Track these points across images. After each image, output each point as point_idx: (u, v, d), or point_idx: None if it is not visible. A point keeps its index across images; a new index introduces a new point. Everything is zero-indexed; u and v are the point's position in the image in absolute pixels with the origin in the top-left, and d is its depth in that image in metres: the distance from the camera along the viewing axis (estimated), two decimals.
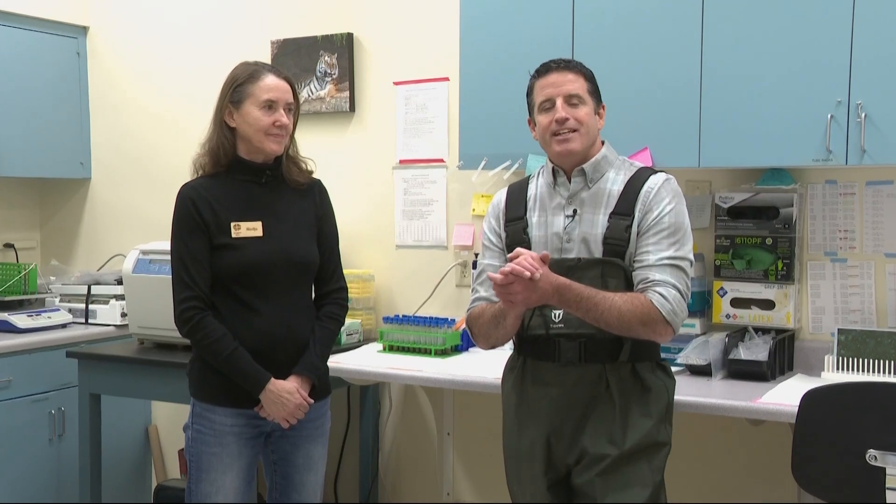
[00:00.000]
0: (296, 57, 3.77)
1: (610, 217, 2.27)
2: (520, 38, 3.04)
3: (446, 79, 3.51)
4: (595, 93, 2.35)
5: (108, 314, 3.92)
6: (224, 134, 2.49)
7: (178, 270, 2.45)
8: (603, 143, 2.38)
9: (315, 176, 2.64)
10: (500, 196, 2.45)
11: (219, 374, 2.45)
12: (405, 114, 3.62)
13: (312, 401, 2.51)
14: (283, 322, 2.48)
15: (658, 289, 2.21)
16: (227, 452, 2.47)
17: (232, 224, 2.45)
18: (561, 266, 2.25)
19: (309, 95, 3.74)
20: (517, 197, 2.41)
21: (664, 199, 2.27)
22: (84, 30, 4.34)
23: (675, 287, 2.22)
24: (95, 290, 3.98)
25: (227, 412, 2.47)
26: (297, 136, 2.59)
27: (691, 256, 2.32)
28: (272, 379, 2.44)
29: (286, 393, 2.44)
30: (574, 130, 2.27)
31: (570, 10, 2.95)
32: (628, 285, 2.26)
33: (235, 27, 3.99)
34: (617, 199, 2.29)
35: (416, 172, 3.62)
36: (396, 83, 3.64)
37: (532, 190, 2.39)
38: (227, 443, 2.47)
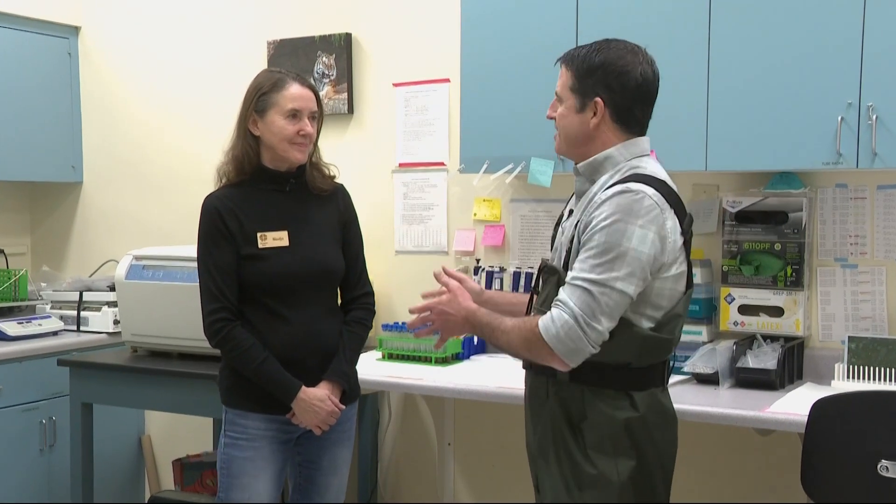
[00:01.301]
0: (293, 58, 3.72)
1: (576, 225, 2.07)
2: (522, 38, 3.01)
3: (447, 80, 3.47)
4: (580, 88, 2.06)
5: (100, 321, 3.87)
6: (248, 142, 2.51)
7: (206, 282, 2.48)
8: (627, 140, 2.09)
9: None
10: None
11: (249, 381, 2.48)
12: (405, 116, 3.58)
13: (344, 406, 2.54)
14: (312, 329, 2.52)
15: (553, 310, 1.97)
16: (259, 456, 2.51)
17: (258, 234, 2.48)
18: (543, 268, 2.19)
19: None
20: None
21: (601, 213, 1.98)
22: (76, 30, 4.30)
23: (570, 312, 1.93)
24: (87, 296, 3.93)
25: (260, 418, 2.51)
26: None
27: (620, 286, 1.94)
28: (303, 387, 2.47)
29: (317, 401, 2.48)
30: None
31: (574, 11, 2.92)
32: None
33: (230, 27, 3.96)
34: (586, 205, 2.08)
35: (416, 176, 3.58)
36: (396, 84, 3.60)
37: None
38: (259, 446, 2.51)
